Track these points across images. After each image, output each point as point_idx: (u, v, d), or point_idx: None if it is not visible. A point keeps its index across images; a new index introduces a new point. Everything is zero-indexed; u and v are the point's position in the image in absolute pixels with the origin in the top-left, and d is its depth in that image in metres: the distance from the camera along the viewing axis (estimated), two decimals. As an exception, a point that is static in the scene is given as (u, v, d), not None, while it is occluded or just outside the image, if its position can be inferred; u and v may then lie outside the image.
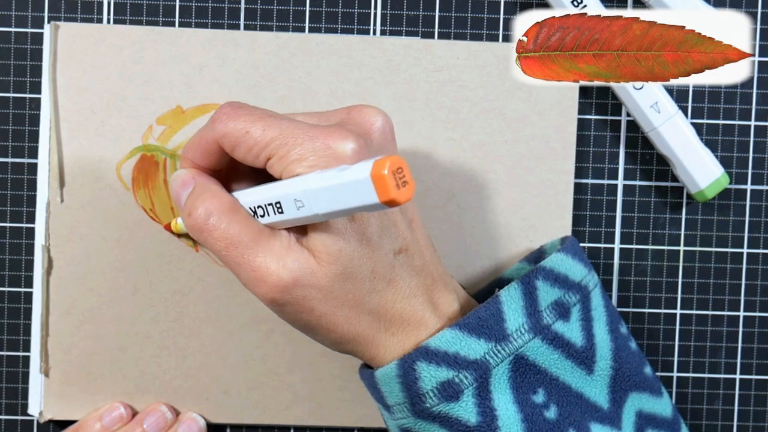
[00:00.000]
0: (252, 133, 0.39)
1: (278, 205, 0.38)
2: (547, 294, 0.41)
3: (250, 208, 0.40)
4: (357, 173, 0.34)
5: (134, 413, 0.49)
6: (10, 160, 0.49)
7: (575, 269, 0.43)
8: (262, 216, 0.39)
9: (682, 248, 0.51)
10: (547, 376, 0.41)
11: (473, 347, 0.39)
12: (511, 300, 0.41)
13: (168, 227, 0.48)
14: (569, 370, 0.41)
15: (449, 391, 0.39)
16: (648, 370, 0.45)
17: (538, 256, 0.48)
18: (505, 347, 0.40)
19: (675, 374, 0.51)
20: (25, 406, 0.50)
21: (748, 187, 0.51)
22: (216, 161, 0.42)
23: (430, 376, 0.39)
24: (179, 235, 0.49)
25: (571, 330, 0.41)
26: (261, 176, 0.41)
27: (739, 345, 0.51)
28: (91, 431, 0.48)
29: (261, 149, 0.38)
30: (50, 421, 0.49)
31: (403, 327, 0.40)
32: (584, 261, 0.44)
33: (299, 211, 0.37)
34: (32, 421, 0.50)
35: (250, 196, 0.40)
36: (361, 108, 0.41)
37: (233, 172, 0.43)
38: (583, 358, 0.42)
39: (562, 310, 0.41)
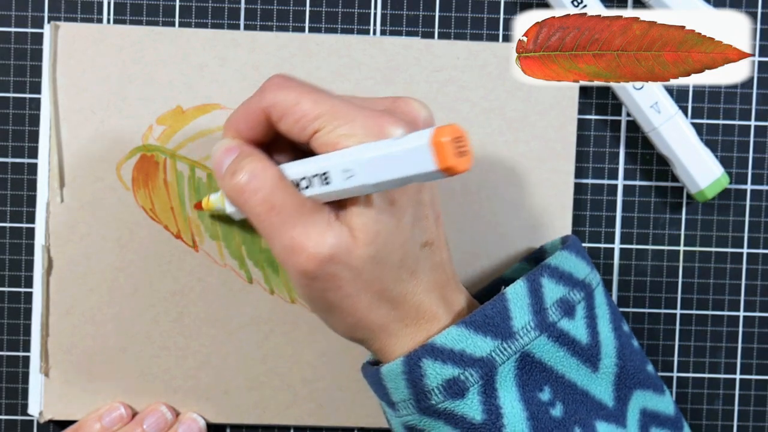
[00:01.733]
0: (302, 105, 0.38)
1: (325, 177, 0.37)
2: (552, 291, 0.41)
3: (292, 180, 0.39)
4: (415, 140, 0.34)
5: (134, 413, 0.49)
6: (10, 160, 0.49)
7: (579, 267, 0.43)
8: (305, 188, 0.39)
9: (682, 248, 0.51)
10: (553, 374, 0.41)
11: (479, 345, 0.39)
12: (517, 297, 0.41)
13: (199, 205, 0.48)
14: (575, 367, 0.41)
15: (455, 389, 0.39)
16: (650, 368, 0.45)
17: (538, 256, 0.48)
18: (512, 345, 0.40)
19: (675, 374, 0.51)
20: (25, 406, 0.50)
21: (748, 187, 0.51)
22: (261, 132, 0.41)
23: (436, 373, 0.39)
24: (211, 216, 0.48)
25: (577, 327, 0.41)
26: (300, 155, 0.40)
27: (739, 345, 0.51)
28: (91, 431, 0.48)
29: (309, 121, 0.38)
30: (50, 421, 0.49)
31: (417, 320, 0.40)
32: (587, 259, 0.44)
33: (347, 181, 0.36)
34: (32, 421, 0.50)
35: (295, 168, 0.39)
36: (407, 99, 0.41)
37: (274, 149, 0.42)
38: (588, 355, 0.42)
39: (567, 308, 0.41)
